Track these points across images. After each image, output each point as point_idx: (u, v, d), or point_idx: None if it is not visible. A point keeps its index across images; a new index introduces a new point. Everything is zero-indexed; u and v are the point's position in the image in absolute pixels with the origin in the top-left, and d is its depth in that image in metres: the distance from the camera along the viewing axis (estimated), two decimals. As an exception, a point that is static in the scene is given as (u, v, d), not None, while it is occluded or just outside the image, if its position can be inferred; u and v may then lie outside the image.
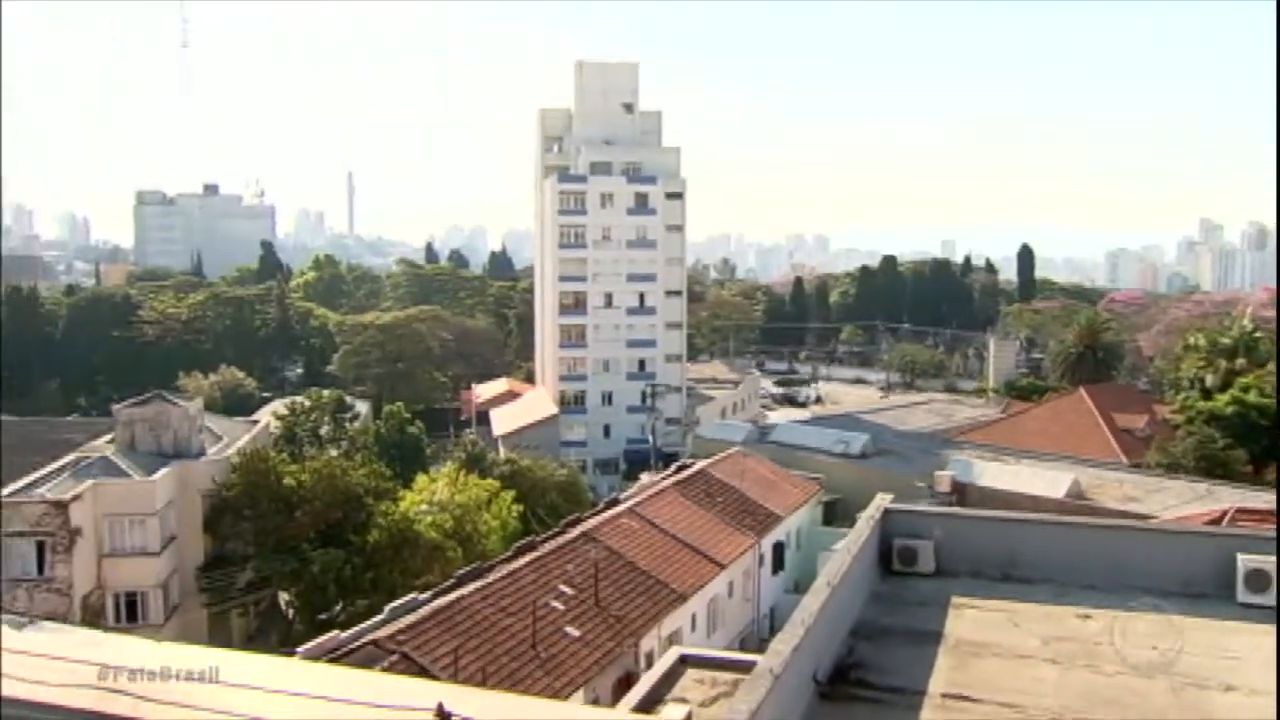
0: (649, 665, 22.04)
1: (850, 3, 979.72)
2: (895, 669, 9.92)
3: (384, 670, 19.55)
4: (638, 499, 38.35)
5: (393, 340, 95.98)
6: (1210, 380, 59.58)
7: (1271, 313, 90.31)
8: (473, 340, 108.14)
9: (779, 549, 41.00)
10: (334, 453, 54.14)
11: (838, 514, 45.67)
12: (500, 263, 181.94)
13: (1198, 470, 47.50)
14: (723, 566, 35.48)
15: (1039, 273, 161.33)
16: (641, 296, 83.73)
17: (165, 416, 41.21)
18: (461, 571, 29.57)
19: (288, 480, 39.57)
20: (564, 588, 28.74)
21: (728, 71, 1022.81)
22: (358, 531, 38.79)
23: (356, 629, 24.55)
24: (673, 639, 29.56)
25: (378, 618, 25.17)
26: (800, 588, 34.71)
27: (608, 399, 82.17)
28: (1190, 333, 75.01)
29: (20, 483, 37.05)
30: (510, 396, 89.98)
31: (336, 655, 21.92)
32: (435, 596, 26.48)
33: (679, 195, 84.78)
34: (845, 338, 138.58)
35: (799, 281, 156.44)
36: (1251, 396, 52.33)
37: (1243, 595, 11.39)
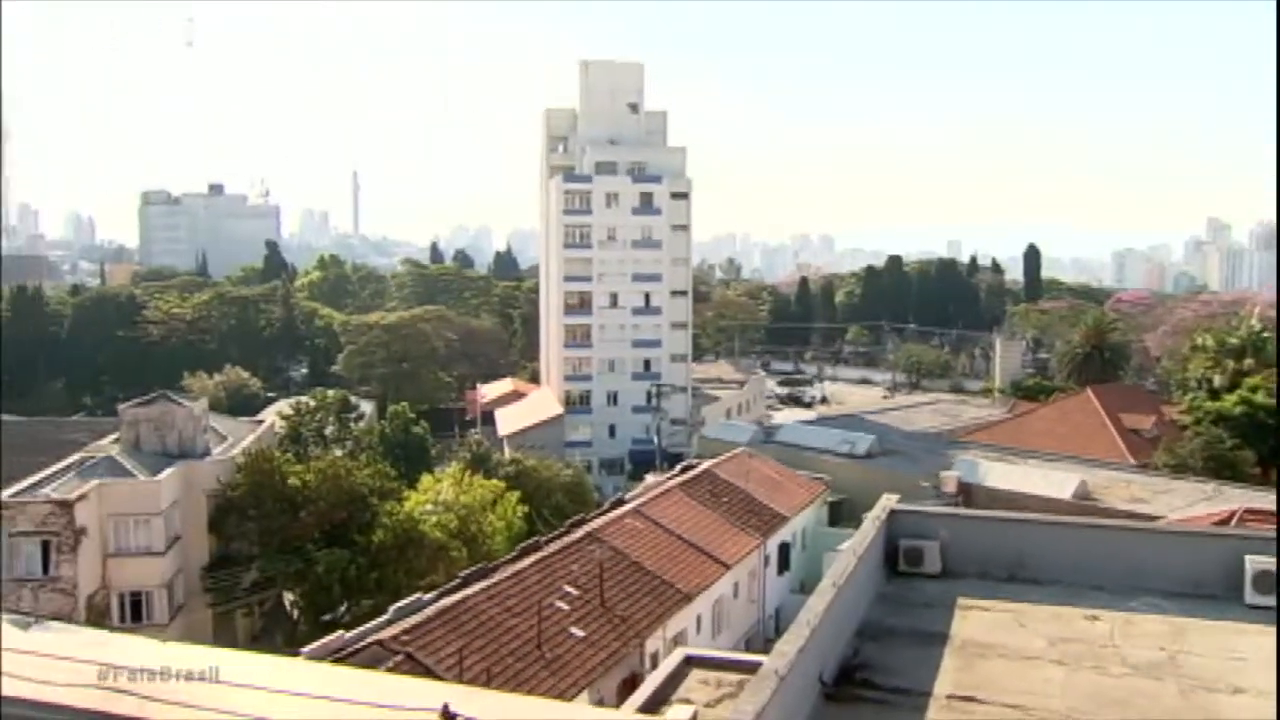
0: (654, 666, 21.99)
1: (852, 2, 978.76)
2: (901, 670, 9.88)
3: (389, 671, 19.51)
4: (643, 499, 38.34)
5: (398, 340, 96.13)
6: (1218, 380, 59.35)
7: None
8: (478, 340, 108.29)
9: (784, 549, 40.98)
10: (339, 453, 54.20)
11: (843, 514, 45.61)
12: (505, 262, 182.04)
13: (1205, 471, 47.39)
14: (728, 567, 35.46)
15: (1045, 273, 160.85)
16: (647, 296, 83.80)
17: (170, 416, 41.29)
18: (466, 572, 29.57)
19: (292, 480, 39.63)
20: (569, 588, 28.73)
21: (730, 71, 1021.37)
22: (362, 532, 38.84)
23: (361, 629, 24.54)
24: (678, 640, 29.56)
25: (382, 618, 25.15)
26: (806, 588, 34.61)
27: (613, 399, 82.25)
28: (1198, 333, 74.67)
29: (25, 482, 37.10)
30: (515, 396, 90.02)
31: (341, 655, 21.92)
32: (440, 597, 26.46)
33: (684, 195, 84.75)
34: (851, 338, 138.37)
35: (804, 281, 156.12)
36: (1259, 397, 52.25)
37: (1250, 597, 11.32)
